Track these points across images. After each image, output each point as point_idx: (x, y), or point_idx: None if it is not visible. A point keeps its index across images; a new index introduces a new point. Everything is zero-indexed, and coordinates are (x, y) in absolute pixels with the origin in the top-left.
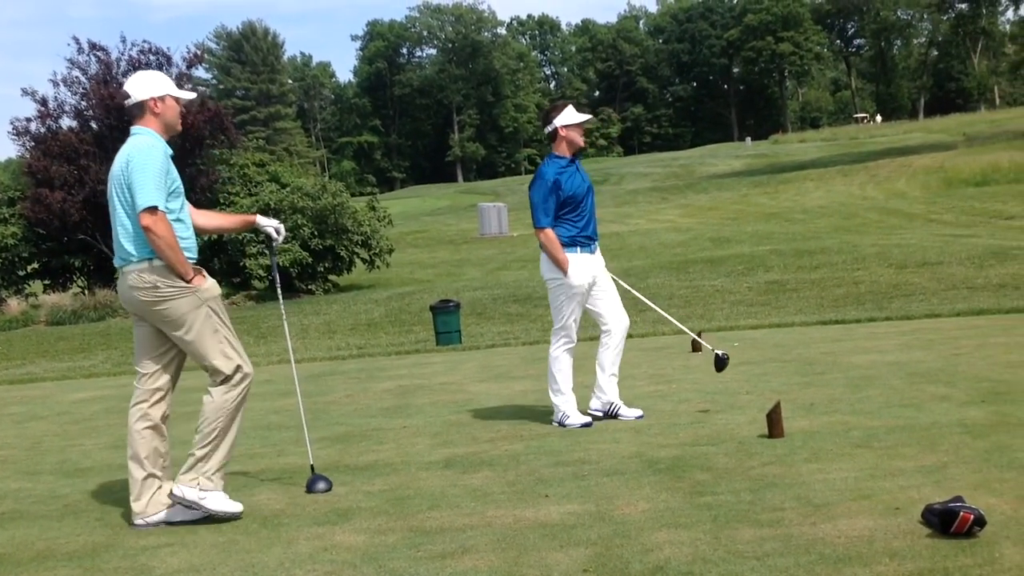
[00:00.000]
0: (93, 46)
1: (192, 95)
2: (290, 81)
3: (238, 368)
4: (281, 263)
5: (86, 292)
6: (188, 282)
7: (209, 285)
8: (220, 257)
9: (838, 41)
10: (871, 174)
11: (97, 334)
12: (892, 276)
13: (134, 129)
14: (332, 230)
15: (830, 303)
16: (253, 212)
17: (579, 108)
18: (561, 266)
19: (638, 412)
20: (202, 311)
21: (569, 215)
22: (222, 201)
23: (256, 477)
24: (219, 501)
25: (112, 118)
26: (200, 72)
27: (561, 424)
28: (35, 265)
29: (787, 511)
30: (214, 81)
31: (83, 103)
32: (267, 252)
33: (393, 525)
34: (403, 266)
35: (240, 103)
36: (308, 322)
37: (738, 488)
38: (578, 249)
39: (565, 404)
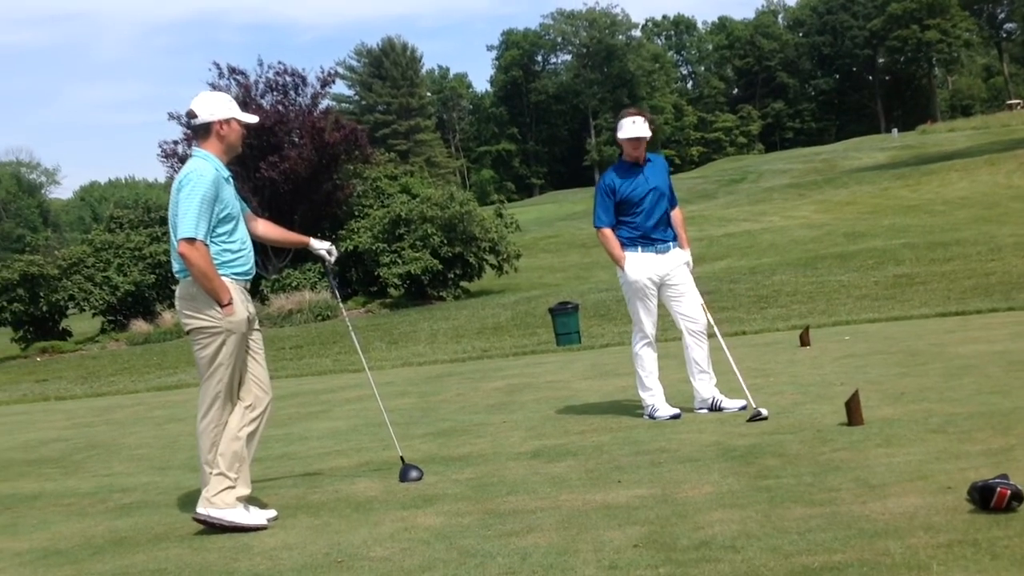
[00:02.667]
0: (232, 70)
1: (254, 119)
2: (429, 94)
3: (214, 408)
4: (413, 271)
5: None
6: (223, 307)
7: (237, 320)
8: (357, 268)
9: (988, 26)
10: (1020, 162)
11: None
12: None
13: (194, 150)
14: (461, 238)
15: (957, 295)
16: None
17: (646, 121)
18: (617, 263)
19: (741, 403)
20: (213, 339)
21: (628, 216)
22: (356, 213)
23: (360, 468)
24: (244, 516)
25: (252, 138)
26: (342, 88)
27: (651, 417)
28: None
29: (842, 492)
30: (356, 97)
31: None
32: (325, 270)
33: (471, 509)
34: (533, 271)
35: (381, 117)
36: (438, 327)
37: (802, 472)
38: (639, 248)
39: (652, 398)
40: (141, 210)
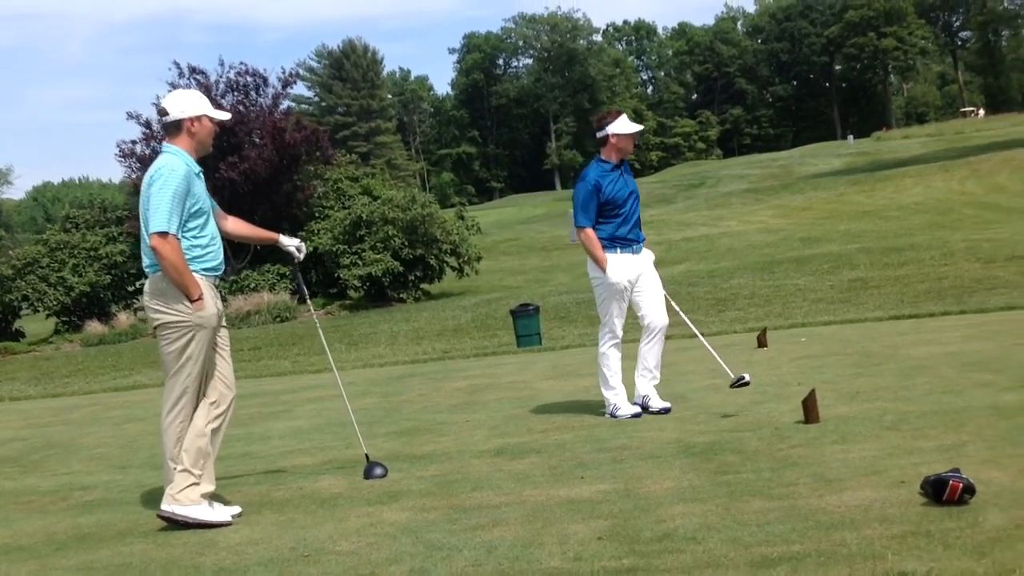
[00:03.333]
0: (193, 70)
1: (226, 115)
2: (389, 96)
3: (177, 404)
4: (373, 273)
5: None
6: (193, 301)
7: (207, 315)
8: (317, 269)
9: (943, 34)
10: (973, 169)
11: None
12: (978, 271)
13: (165, 146)
14: (422, 240)
15: (910, 299)
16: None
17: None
18: (600, 264)
19: (666, 404)
20: (184, 334)
21: (610, 217)
22: (317, 215)
23: (324, 466)
24: (206, 513)
25: (213, 138)
26: (302, 90)
27: (613, 416)
28: (143, 281)
29: (799, 486)
30: (316, 98)
31: None
32: (292, 268)
33: (436, 504)
34: (494, 273)
35: (341, 119)
36: (398, 329)
37: (761, 467)
38: (618, 249)
39: (615, 397)
40: (97, 210)
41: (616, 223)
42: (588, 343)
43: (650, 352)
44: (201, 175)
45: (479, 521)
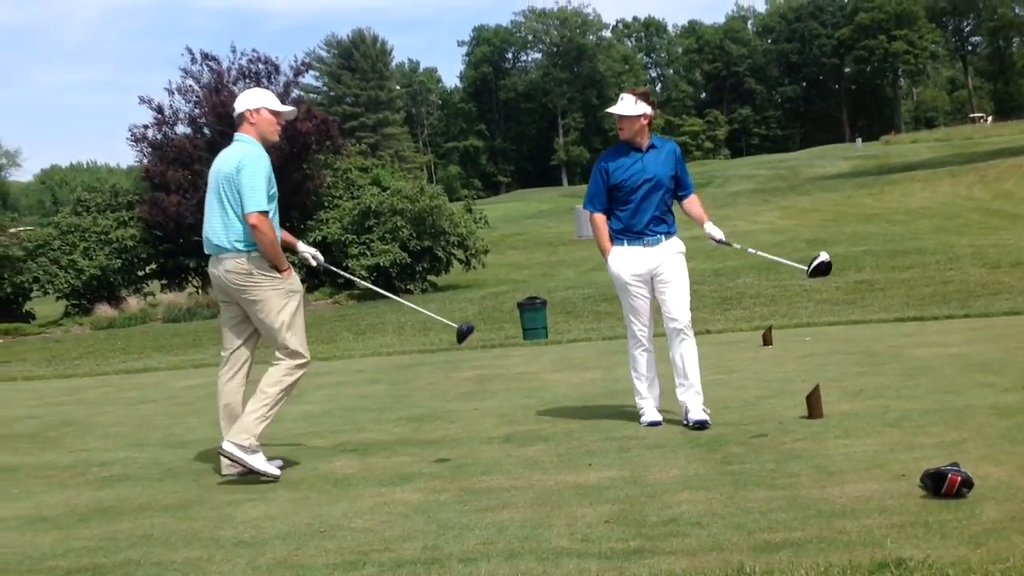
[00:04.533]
0: (205, 56)
1: (291, 109)
2: (398, 87)
3: (303, 355)
4: (381, 263)
5: (200, 291)
6: (281, 272)
7: (295, 280)
8: (325, 258)
9: (954, 39)
10: (980, 174)
11: (210, 330)
12: (983, 275)
13: (237, 135)
14: (430, 232)
15: (915, 302)
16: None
17: (639, 100)
18: (603, 254)
19: (701, 417)
20: (286, 300)
21: (622, 205)
22: (326, 204)
23: (336, 448)
24: (261, 461)
25: (224, 124)
26: (310, 79)
27: (640, 420)
28: (153, 266)
29: (802, 477)
30: (324, 88)
31: (196, 110)
32: (314, 268)
33: (447, 487)
34: (500, 267)
35: (349, 109)
36: (405, 319)
37: (764, 459)
38: (625, 241)
39: (640, 400)
40: (108, 194)
41: (628, 212)
42: (595, 337)
43: (676, 357)
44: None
45: (489, 503)
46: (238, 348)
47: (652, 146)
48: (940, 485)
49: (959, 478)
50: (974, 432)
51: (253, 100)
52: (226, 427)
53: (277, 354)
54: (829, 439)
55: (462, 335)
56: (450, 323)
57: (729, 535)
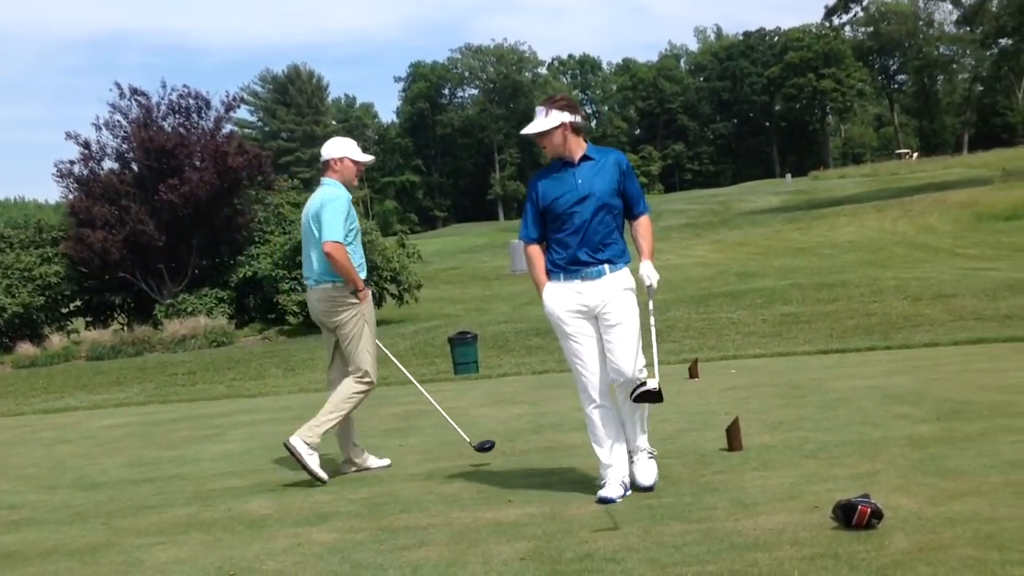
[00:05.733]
0: (134, 91)
1: (370, 159)
2: (334, 123)
3: (370, 374)
4: None
5: (125, 328)
6: (359, 291)
7: (368, 305)
8: (255, 294)
9: (880, 77)
10: (905, 209)
11: (134, 368)
12: (906, 308)
13: (324, 180)
14: None
15: (839, 334)
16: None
17: (559, 110)
18: (537, 288)
19: (645, 482)
20: (361, 323)
21: (553, 233)
22: (257, 239)
23: (253, 488)
24: (315, 462)
25: (151, 160)
26: (245, 114)
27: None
28: (77, 303)
29: (718, 510)
30: (259, 123)
31: (124, 146)
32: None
33: (364, 525)
34: (434, 302)
35: (284, 144)
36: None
37: (683, 492)
38: (561, 276)
39: (601, 469)
40: (32, 230)
41: (558, 240)
42: (525, 371)
43: (623, 413)
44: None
45: (406, 542)
46: (333, 362)
47: (587, 157)
48: (851, 516)
49: (869, 509)
50: (888, 463)
51: (337, 150)
52: (340, 437)
53: (350, 370)
54: (747, 471)
55: (484, 449)
56: (466, 438)
57: (643, 570)
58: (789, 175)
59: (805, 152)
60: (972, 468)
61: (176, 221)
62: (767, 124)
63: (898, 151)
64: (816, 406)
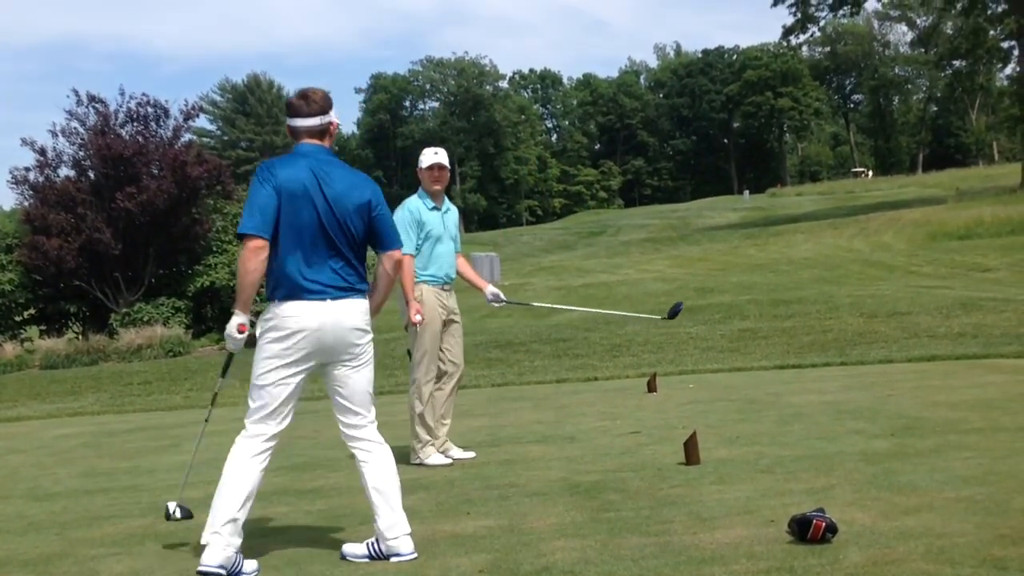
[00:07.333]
0: (92, 98)
1: (434, 160)
2: None
3: (419, 364)
4: None
5: (80, 337)
6: (408, 302)
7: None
8: (213, 304)
9: (837, 97)
10: (861, 227)
11: (88, 377)
12: (861, 325)
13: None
14: None
15: (795, 349)
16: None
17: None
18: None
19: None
20: (416, 334)
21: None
22: (215, 249)
23: (209, 499)
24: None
25: (109, 167)
26: (204, 123)
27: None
28: (31, 311)
29: (675, 524)
30: (219, 132)
31: (81, 153)
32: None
33: (322, 538)
34: (395, 314)
35: (244, 154)
36: None
37: (641, 506)
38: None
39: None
40: None
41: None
42: (484, 384)
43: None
44: (435, 209)
45: None
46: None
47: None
48: (806, 531)
49: (824, 523)
50: (842, 478)
51: (422, 160)
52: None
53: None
54: (704, 485)
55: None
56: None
57: None
58: (747, 192)
59: (763, 169)
60: (925, 483)
61: (133, 230)
62: (726, 141)
63: (854, 170)
64: (773, 421)
